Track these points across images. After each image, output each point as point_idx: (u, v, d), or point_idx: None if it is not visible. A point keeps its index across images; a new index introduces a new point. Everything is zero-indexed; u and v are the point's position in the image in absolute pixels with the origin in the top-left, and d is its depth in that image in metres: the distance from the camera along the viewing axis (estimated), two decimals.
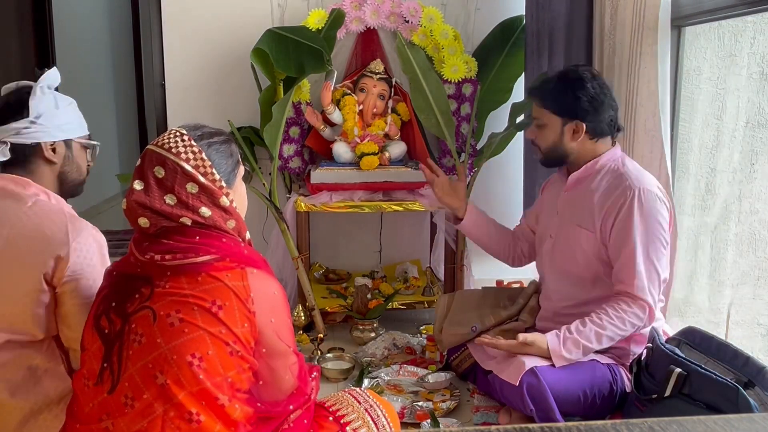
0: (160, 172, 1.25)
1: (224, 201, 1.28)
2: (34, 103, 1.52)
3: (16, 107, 1.53)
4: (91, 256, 1.48)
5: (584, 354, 1.89)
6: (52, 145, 1.55)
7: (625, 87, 2.24)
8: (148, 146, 1.30)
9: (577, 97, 1.95)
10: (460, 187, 2.38)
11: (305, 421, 1.34)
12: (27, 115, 1.52)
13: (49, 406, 1.44)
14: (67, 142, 1.59)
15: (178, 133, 1.29)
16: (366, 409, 1.43)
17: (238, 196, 1.35)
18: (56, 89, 1.61)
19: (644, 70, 2.12)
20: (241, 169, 1.38)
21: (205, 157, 1.27)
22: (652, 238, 1.88)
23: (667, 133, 2.11)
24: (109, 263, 1.49)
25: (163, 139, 1.28)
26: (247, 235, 1.35)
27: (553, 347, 1.88)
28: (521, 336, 1.93)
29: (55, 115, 1.55)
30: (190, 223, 1.25)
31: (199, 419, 1.17)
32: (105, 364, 1.22)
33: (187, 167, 1.25)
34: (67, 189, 1.61)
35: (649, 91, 2.10)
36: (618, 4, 2.25)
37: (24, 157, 1.54)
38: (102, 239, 1.54)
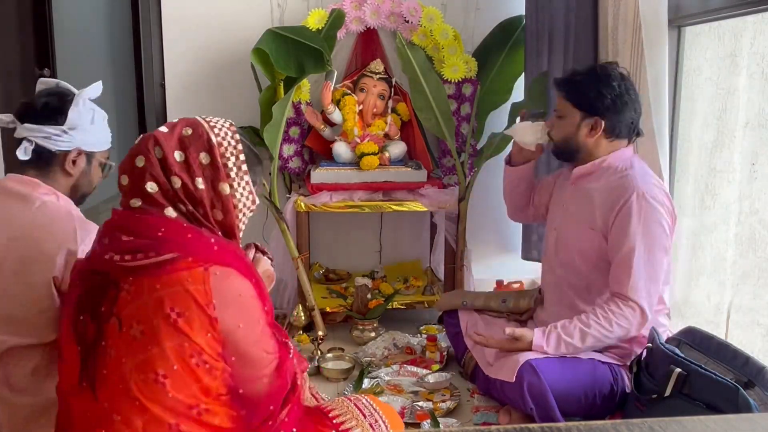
0: (187, 131, 1.24)
1: (223, 188, 1.24)
2: (73, 115, 1.52)
3: (53, 112, 1.52)
4: None
5: (569, 352, 1.89)
6: (74, 158, 1.56)
7: None
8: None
9: (600, 93, 1.92)
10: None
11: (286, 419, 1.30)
12: (62, 123, 1.52)
13: (55, 406, 1.43)
14: (89, 158, 1.60)
15: (227, 122, 1.30)
16: (371, 424, 1.41)
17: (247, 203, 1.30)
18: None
19: (647, 68, 2.12)
20: (258, 187, 1.33)
21: (233, 142, 1.26)
22: (651, 241, 1.87)
23: (665, 133, 2.11)
24: None
25: (212, 119, 1.30)
26: (240, 235, 1.29)
27: (537, 342, 1.89)
28: (509, 330, 1.95)
29: (88, 130, 1.57)
30: (179, 185, 1.20)
31: (180, 428, 1.15)
32: (83, 373, 1.19)
33: (213, 139, 1.24)
34: (74, 199, 1.61)
35: (653, 91, 2.10)
36: (620, 3, 2.25)
37: (44, 163, 1.55)
38: None
